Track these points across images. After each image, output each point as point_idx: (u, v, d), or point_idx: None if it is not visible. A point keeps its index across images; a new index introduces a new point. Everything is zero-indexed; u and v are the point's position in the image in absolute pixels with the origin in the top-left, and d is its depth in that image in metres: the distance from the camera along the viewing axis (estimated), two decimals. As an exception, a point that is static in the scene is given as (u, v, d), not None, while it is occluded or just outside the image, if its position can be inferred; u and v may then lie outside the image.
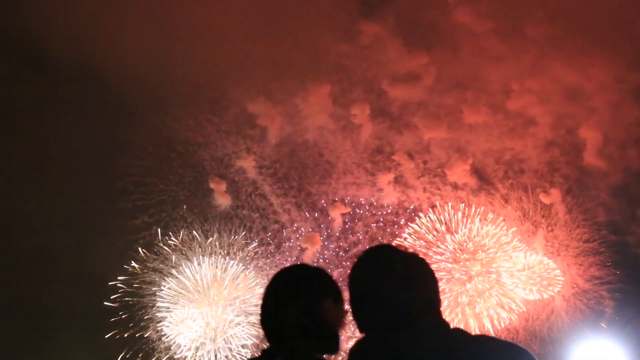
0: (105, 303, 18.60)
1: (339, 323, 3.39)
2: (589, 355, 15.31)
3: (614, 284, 18.27)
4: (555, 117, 19.14)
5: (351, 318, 3.16)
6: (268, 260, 19.61)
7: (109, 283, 18.76)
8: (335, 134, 20.40)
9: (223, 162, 20.43)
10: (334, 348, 3.36)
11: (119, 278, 18.85)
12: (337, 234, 19.99)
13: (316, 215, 20.22)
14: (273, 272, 17.52)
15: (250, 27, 19.74)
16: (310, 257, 19.49)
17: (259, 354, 3.40)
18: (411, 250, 3.22)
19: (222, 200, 20.20)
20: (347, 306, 3.28)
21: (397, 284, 3.02)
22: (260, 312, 3.49)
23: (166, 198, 20.11)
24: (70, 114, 19.99)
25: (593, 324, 17.45)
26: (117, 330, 18.55)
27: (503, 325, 18.16)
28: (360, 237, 19.79)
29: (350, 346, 3.09)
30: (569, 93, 19.09)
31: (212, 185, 20.29)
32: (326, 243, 19.94)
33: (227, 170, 20.41)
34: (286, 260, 19.63)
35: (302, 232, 20.11)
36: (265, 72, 20.15)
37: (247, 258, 19.48)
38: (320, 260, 19.59)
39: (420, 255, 3.21)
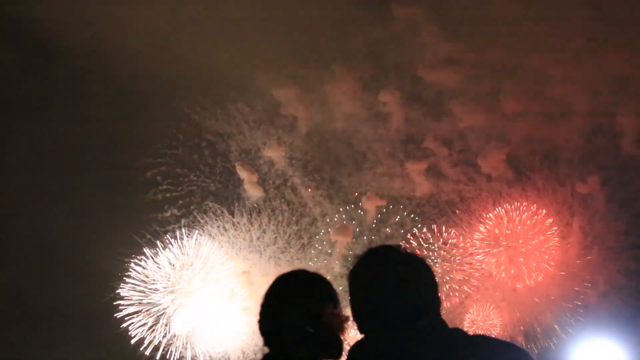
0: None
1: (341, 328, 3.48)
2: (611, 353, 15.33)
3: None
4: (595, 105, 19.07)
5: (352, 322, 3.36)
6: (299, 254, 19.99)
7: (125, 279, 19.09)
8: (366, 123, 20.65)
9: (251, 153, 20.81)
10: (337, 353, 3.46)
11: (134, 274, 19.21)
12: (370, 227, 20.16)
13: (348, 208, 20.40)
14: (304, 265, 17.78)
15: (277, 12, 19.89)
16: (341, 250, 19.64)
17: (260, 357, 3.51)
18: (411, 250, 3.41)
19: (254, 192, 20.43)
20: (348, 311, 3.42)
21: (396, 285, 3.16)
22: (259, 317, 3.63)
23: (196, 189, 20.44)
24: (88, 106, 20.41)
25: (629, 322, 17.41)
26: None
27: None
28: (393, 231, 19.85)
29: (350, 347, 3.23)
30: (613, 81, 18.96)
31: (242, 175, 20.46)
32: (365, 237, 20.11)
33: (255, 162, 20.77)
34: (318, 254, 19.87)
35: (332, 223, 20.42)
36: (293, 59, 20.44)
37: (278, 252, 19.90)
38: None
39: (420, 256, 3.40)
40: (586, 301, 18.29)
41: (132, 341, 18.69)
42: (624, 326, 16.85)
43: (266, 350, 3.55)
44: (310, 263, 19.46)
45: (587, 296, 18.28)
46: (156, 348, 18.75)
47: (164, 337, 18.83)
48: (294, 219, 20.22)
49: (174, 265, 19.20)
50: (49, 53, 19.96)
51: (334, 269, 19.21)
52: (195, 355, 18.90)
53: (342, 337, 3.50)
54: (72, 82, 20.05)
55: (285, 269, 18.89)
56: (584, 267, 18.38)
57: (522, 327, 18.53)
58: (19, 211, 19.86)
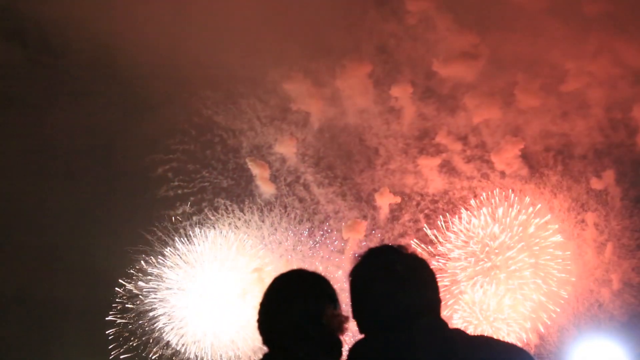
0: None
1: (340, 328, 3.50)
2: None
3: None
4: (612, 100, 18.99)
5: (352, 323, 3.38)
6: (312, 252, 20.03)
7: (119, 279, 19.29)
8: (378, 118, 20.63)
9: (262, 149, 20.80)
10: (337, 354, 3.48)
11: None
12: (383, 224, 20.17)
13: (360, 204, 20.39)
14: (316, 263, 17.76)
15: (288, 7, 20.08)
16: (353, 247, 19.65)
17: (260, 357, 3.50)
18: (412, 250, 3.38)
19: (265, 188, 20.42)
20: (348, 311, 3.42)
21: (397, 285, 3.19)
22: (258, 316, 3.62)
23: (207, 186, 20.50)
24: (97, 102, 20.54)
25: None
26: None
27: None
28: (407, 228, 19.83)
29: (350, 347, 3.29)
30: (629, 75, 18.87)
31: (254, 171, 20.43)
32: (373, 232, 20.12)
33: (267, 158, 20.76)
34: (331, 251, 19.90)
35: (345, 220, 20.40)
36: (305, 53, 20.51)
37: (290, 249, 19.96)
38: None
39: (421, 255, 3.41)
40: (600, 300, 18.28)
41: (139, 341, 19.01)
42: (635, 325, 16.87)
43: (266, 349, 3.57)
44: (317, 263, 19.49)
45: (601, 295, 18.26)
46: (166, 348, 18.96)
47: (174, 336, 19.02)
48: (305, 216, 20.29)
49: (187, 262, 19.30)
50: (56, 49, 20.11)
51: (345, 266, 19.22)
52: (206, 354, 18.98)
53: (341, 338, 3.52)
54: (81, 78, 20.22)
55: (297, 266, 19.00)
56: (598, 265, 18.34)
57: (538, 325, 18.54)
58: (23, 209, 20.00)
